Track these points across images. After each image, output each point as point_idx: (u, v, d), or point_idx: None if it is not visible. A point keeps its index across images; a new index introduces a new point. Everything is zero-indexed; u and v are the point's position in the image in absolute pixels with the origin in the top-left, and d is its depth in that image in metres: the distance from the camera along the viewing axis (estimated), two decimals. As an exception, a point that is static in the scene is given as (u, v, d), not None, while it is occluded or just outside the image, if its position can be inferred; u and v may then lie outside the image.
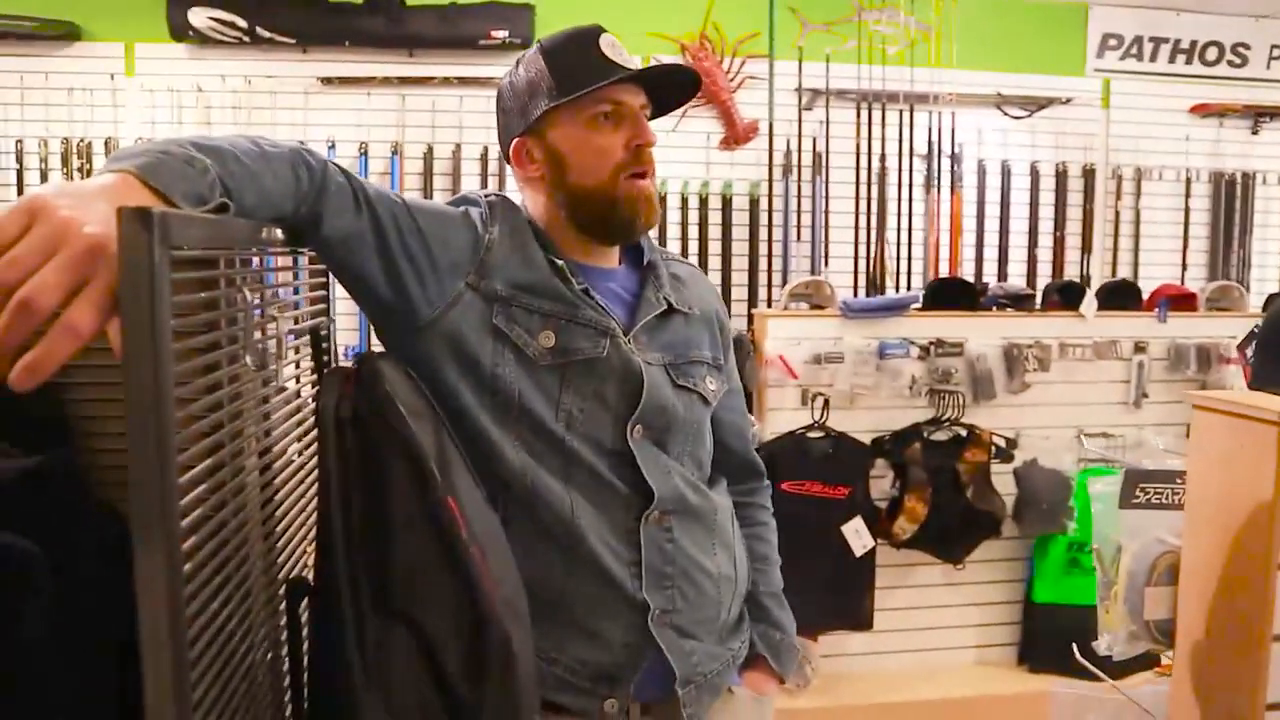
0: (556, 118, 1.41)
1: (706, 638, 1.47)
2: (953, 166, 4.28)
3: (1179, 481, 1.71)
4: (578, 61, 1.40)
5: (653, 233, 3.80)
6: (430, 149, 3.95)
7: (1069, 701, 1.94)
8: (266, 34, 3.80)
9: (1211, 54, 4.75)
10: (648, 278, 1.51)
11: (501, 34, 3.90)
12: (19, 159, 3.78)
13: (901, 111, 4.15)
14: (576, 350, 1.37)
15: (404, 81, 3.94)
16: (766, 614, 1.63)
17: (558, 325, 1.37)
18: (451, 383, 1.32)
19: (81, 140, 3.78)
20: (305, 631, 1.16)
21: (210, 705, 0.88)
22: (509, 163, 1.49)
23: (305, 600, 1.14)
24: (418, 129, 3.96)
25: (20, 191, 3.72)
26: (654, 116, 1.50)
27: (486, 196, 1.46)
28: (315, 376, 1.28)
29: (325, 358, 1.25)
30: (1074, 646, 2.03)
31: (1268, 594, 1.35)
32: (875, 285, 4.05)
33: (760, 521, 1.70)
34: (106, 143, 3.78)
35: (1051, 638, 3.34)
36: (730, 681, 1.55)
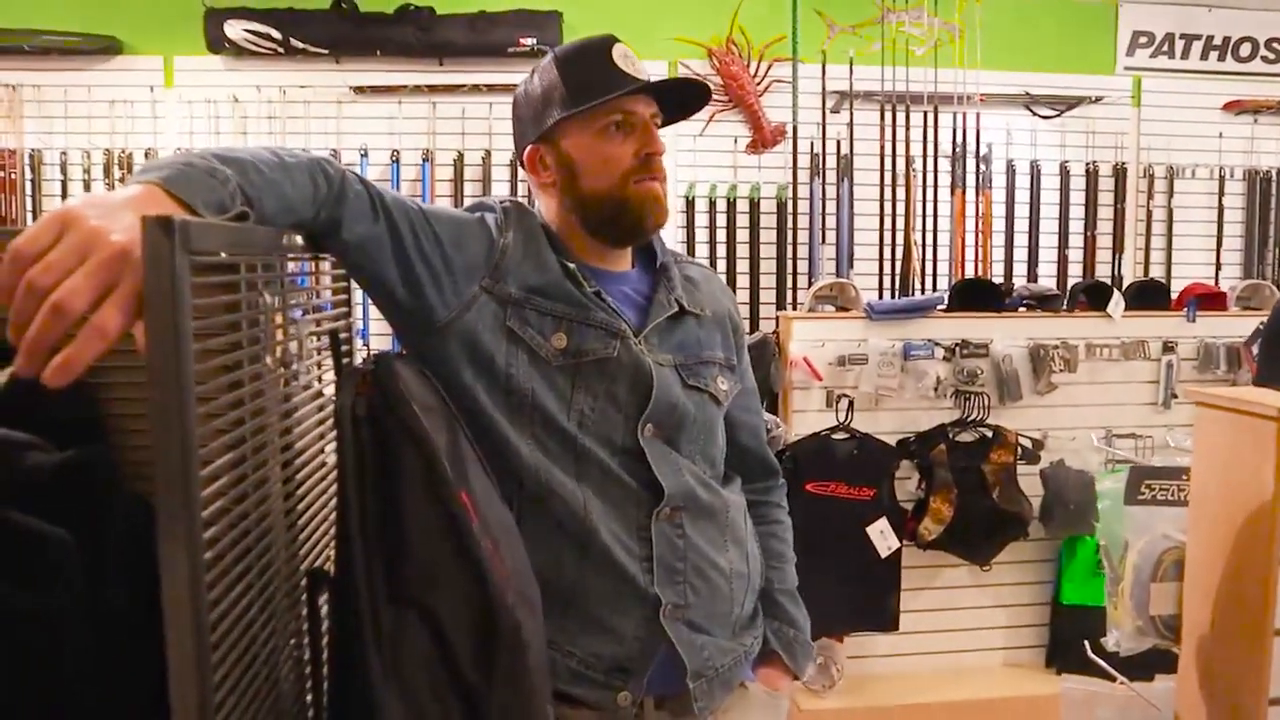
0: (569, 126, 1.46)
1: (718, 632, 1.50)
2: (979, 167, 4.28)
3: (1184, 478, 1.72)
4: (590, 72, 1.44)
5: (681, 236, 3.84)
6: (461, 155, 4.01)
7: (1079, 698, 1.95)
8: (300, 45, 3.88)
9: (1245, 50, 4.70)
10: (660, 280, 1.55)
11: (530, 41, 3.94)
12: (63, 170, 3.89)
13: (926, 113, 4.15)
14: (588, 351, 1.41)
15: (434, 89, 4.00)
16: (781, 611, 1.66)
17: (570, 327, 1.42)
18: (467, 382, 1.37)
19: (123, 151, 3.87)
20: (327, 621, 1.20)
21: (232, 688, 0.93)
22: (523, 169, 1.54)
23: (326, 590, 1.18)
24: (448, 136, 4.03)
25: (64, 201, 3.82)
26: (667, 124, 1.54)
27: (502, 202, 1.51)
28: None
29: (344, 359, 1.29)
30: (1086, 644, 2.04)
31: (1269, 589, 1.36)
32: (901, 287, 4.06)
33: (775, 519, 1.73)
34: (147, 153, 3.87)
35: (1079, 639, 3.30)
36: (744, 677, 1.58)
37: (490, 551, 1.15)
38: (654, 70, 1.48)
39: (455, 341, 1.37)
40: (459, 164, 4.01)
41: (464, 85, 3.98)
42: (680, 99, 1.54)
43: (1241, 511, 1.42)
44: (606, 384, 1.42)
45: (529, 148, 1.51)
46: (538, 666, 1.20)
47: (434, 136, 4.02)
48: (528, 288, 1.42)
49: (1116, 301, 3.66)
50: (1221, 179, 4.58)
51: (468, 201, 1.87)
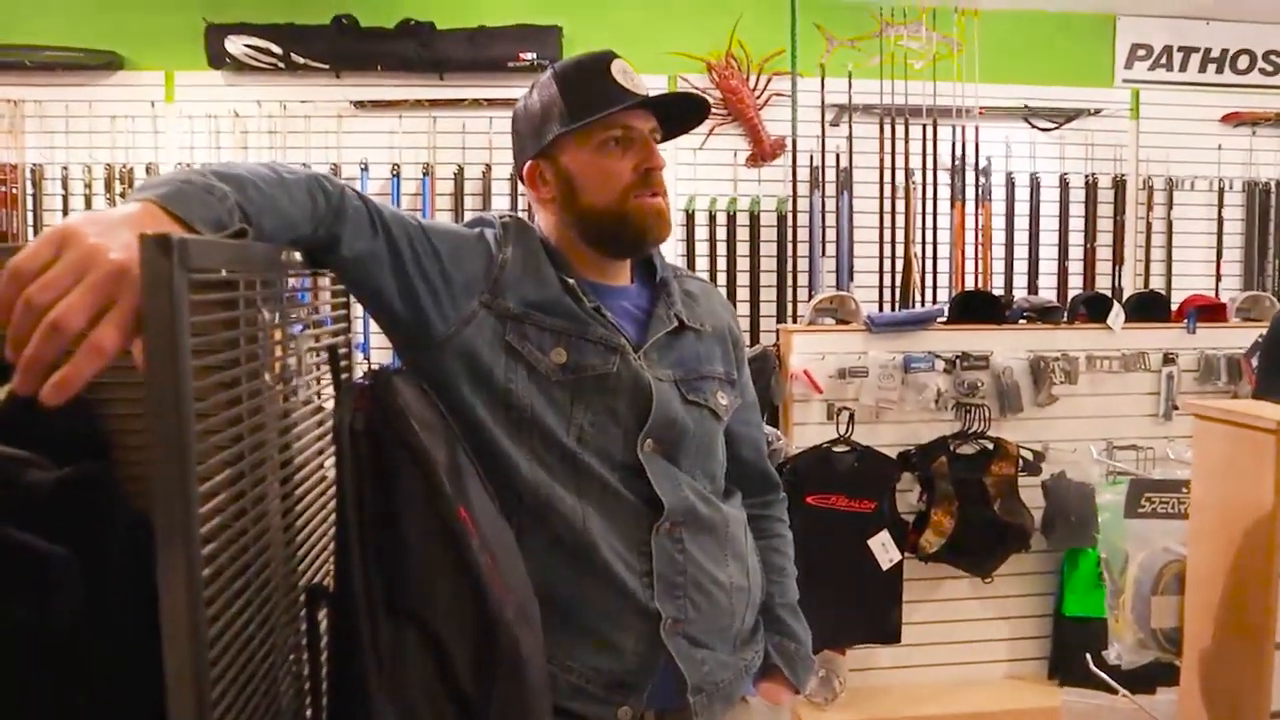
0: (568, 142, 1.46)
1: (719, 647, 1.49)
2: (979, 180, 4.29)
3: (1184, 490, 1.72)
4: (589, 87, 1.45)
5: (681, 249, 3.85)
6: (461, 170, 4.02)
7: (1080, 711, 1.95)
8: (301, 60, 3.90)
9: (1243, 62, 4.72)
10: (660, 295, 1.55)
11: (530, 56, 3.96)
12: (64, 185, 3.90)
13: (925, 126, 4.17)
14: (587, 367, 1.41)
15: (435, 104, 4.01)
16: (782, 625, 1.65)
17: (569, 342, 1.41)
18: (466, 398, 1.36)
19: (124, 166, 3.89)
20: (325, 637, 1.20)
21: (230, 704, 0.93)
22: (522, 184, 1.54)
23: (325, 605, 1.18)
24: (448, 150, 4.04)
25: (66, 217, 3.83)
26: (666, 139, 1.54)
27: (501, 218, 1.51)
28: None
29: (343, 374, 1.29)
30: (1088, 656, 2.03)
31: (1270, 602, 1.36)
32: (901, 299, 4.07)
33: (776, 533, 1.72)
34: (148, 169, 3.89)
35: (1081, 651, 3.29)
36: (744, 691, 1.58)
37: (489, 567, 1.15)
38: (653, 85, 1.48)
39: (454, 357, 1.37)
40: (459, 178, 4.02)
41: (464, 100, 4.00)
42: (680, 114, 1.55)
43: (1241, 524, 1.42)
44: (606, 399, 1.42)
45: (528, 163, 1.51)
46: (537, 682, 1.19)
47: (434, 151, 4.03)
48: (527, 303, 1.42)
49: (1116, 313, 3.66)
50: (1221, 191, 4.60)
51: (467, 216, 1.87)
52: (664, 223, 1.49)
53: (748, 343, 3.77)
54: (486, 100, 3.99)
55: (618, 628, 1.41)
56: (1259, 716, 1.38)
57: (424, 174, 4.01)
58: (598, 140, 1.45)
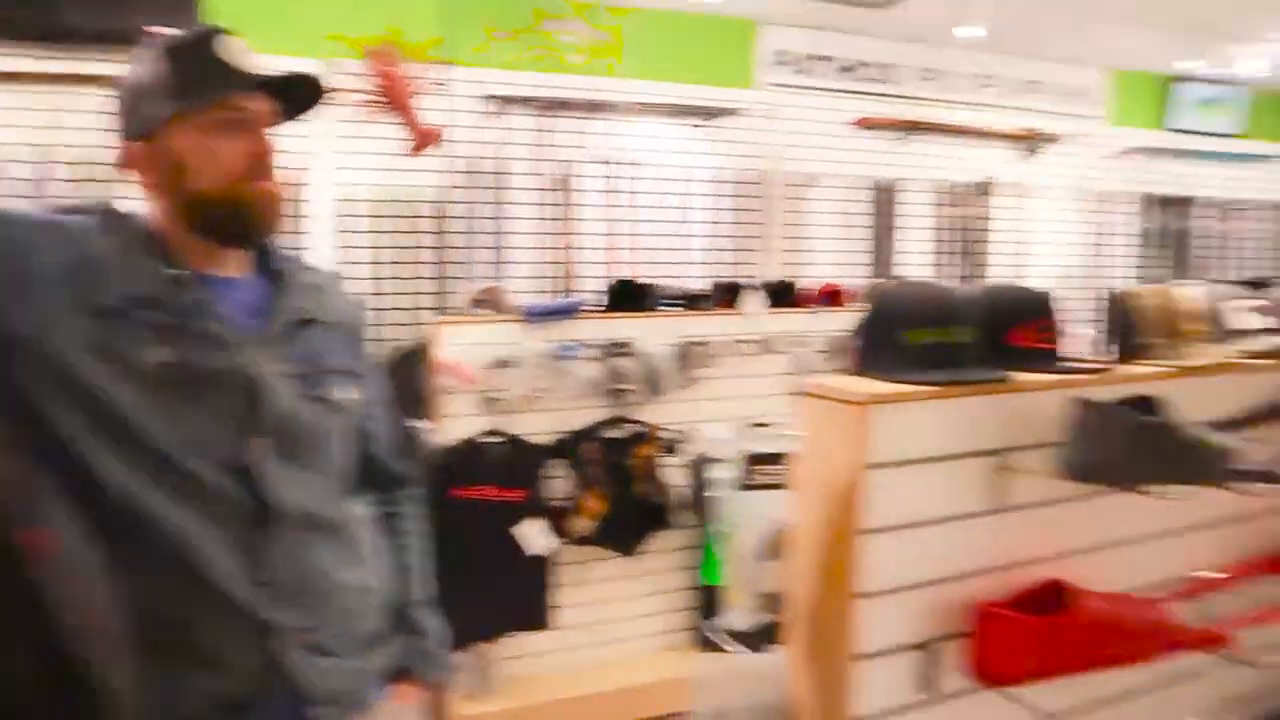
0: (174, 123, 1.37)
1: (344, 653, 1.45)
2: (631, 173, 4.46)
3: (787, 462, 1.87)
4: (198, 65, 1.37)
5: (337, 241, 3.69)
6: (83, 153, 3.69)
7: (706, 675, 2.08)
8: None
9: (872, 72, 5.25)
10: (278, 286, 1.48)
11: (167, 30, 3.69)
12: None
13: (581, 120, 4.28)
14: (190, 363, 1.31)
15: (57, 79, 3.65)
16: (412, 623, 1.64)
17: (171, 338, 1.31)
18: (47, 407, 1.24)
19: None
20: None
21: None
22: (124, 167, 1.43)
23: None
24: (72, 131, 3.70)
25: None
26: (291, 118, 1.47)
27: (99, 206, 1.40)
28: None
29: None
30: (705, 622, 2.17)
31: (853, 557, 1.52)
32: (556, 290, 4.16)
33: (404, 530, 1.70)
34: None
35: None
36: (374, 696, 1.54)
37: (71, 594, 1.05)
38: (305, 68, 1.43)
39: (35, 361, 1.24)
40: (79, 163, 3.68)
41: (85, 74, 3.66)
42: (301, 96, 1.48)
43: (832, 488, 1.56)
44: (212, 398, 1.33)
45: (131, 145, 1.41)
46: (133, 716, 1.11)
47: (57, 131, 3.67)
48: (125, 298, 1.30)
49: (747, 299, 3.90)
50: (850, 188, 5.09)
51: (64, 204, 1.71)
52: (275, 208, 1.43)
53: (401, 336, 3.74)
54: (115, 77, 3.67)
55: (229, 645, 1.33)
56: (845, 659, 1.54)
57: (42, 158, 3.63)
58: (207, 122, 1.36)
